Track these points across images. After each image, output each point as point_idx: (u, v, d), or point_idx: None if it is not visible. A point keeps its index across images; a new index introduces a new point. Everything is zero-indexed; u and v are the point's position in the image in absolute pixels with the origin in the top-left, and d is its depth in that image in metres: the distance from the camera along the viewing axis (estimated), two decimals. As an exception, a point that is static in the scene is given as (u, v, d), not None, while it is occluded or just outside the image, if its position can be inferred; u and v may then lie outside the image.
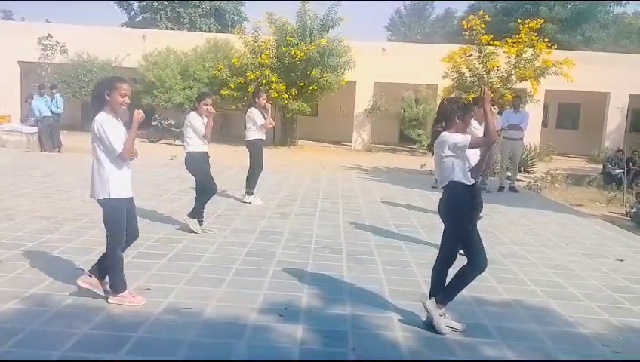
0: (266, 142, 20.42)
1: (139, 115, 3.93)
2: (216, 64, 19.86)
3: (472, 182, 3.85)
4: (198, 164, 6.48)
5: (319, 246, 6.03)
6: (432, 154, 4.01)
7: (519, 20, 13.81)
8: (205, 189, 6.55)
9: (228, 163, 13.35)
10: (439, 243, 6.27)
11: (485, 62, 13.26)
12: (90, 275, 4.12)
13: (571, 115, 25.19)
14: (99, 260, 4.19)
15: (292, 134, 21.00)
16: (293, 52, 18.46)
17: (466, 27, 13.35)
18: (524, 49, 13.13)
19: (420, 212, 8.51)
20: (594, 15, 31.01)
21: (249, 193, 8.44)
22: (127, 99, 3.87)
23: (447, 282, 3.99)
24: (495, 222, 7.97)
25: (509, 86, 13.33)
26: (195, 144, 6.41)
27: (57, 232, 5.99)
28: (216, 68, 19.67)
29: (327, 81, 18.84)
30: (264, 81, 18.58)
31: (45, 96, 14.98)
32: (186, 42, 21.35)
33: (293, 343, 3.57)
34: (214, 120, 6.64)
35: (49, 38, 19.65)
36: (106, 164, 3.87)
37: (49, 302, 4.00)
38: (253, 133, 8.34)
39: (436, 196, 10.16)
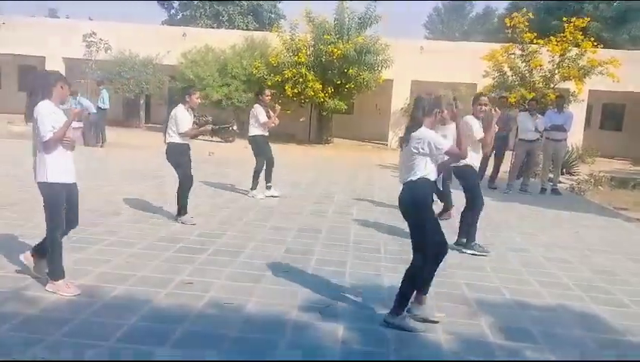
0: (302, 140, 20.55)
1: (76, 111, 4.27)
2: (253, 62, 20.01)
3: (435, 178, 3.93)
4: (178, 156, 6.61)
5: (357, 245, 6.02)
6: (402, 148, 3.99)
7: (564, 19, 13.45)
8: (188, 180, 6.68)
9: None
10: (481, 245, 6.22)
11: (528, 61, 12.97)
12: (32, 254, 4.34)
13: (615, 116, 24.46)
14: (41, 242, 4.33)
15: (327, 132, 21.02)
16: (330, 50, 18.45)
17: (508, 25, 13.08)
18: (569, 48, 12.78)
19: (459, 213, 8.38)
20: (640, 13, 29.99)
21: (267, 187, 8.63)
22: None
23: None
24: (537, 225, 7.81)
25: (552, 85, 13.01)
26: (177, 135, 6.54)
27: (102, 225, 6.14)
28: (254, 65, 19.81)
29: (363, 79, 18.77)
30: (301, 80, 18.65)
31: (75, 98, 15.47)
32: (225, 40, 21.58)
33: (335, 342, 3.57)
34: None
35: (93, 36, 20.14)
36: (43, 146, 4.05)
37: (97, 292, 4.11)
38: (255, 130, 8.50)
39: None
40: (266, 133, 8.60)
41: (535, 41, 13.05)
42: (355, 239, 6.27)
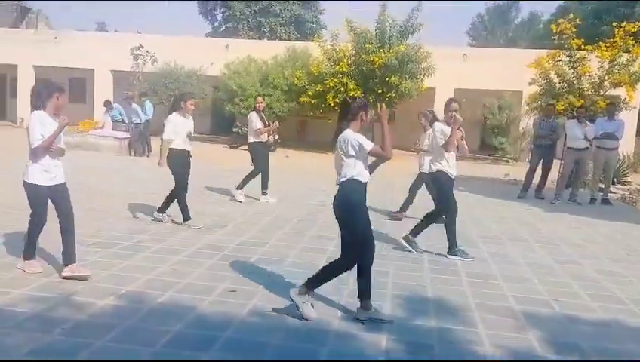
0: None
1: (64, 120, 4.46)
2: (294, 72, 20.18)
3: (368, 179, 4.04)
4: (176, 162, 6.77)
5: (401, 255, 5.95)
6: (335, 150, 4.12)
7: (614, 23, 13.01)
8: (181, 186, 6.84)
9: (305, 169, 13.50)
10: (527, 256, 6.06)
11: (576, 68, 12.58)
12: (66, 265, 4.60)
13: (669, 123, 23.45)
14: (63, 251, 4.64)
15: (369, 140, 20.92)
16: (371, 59, 18.43)
17: (555, 31, 12.75)
18: (619, 53, 12.35)
19: (505, 223, 8.20)
20: (696, 16, 28.76)
21: (263, 193, 8.84)
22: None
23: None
24: (587, 236, 7.54)
25: (602, 92, 12.59)
26: (176, 142, 6.74)
27: (148, 233, 6.27)
28: (295, 75, 19.98)
29: (405, 87, 18.65)
30: (342, 89, 18.68)
31: (118, 105, 16.03)
32: (267, 51, 21.85)
33: (378, 352, 3.52)
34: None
35: (140, 49, 20.73)
36: (31, 153, 4.42)
37: (143, 299, 4.19)
38: (251, 137, 8.74)
39: (522, 207, 9.76)
40: (264, 140, 8.79)
41: (583, 47, 12.67)
42: (397, 249, 6.19)
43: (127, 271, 4.81)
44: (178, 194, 6.85)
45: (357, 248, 3.98)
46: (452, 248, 5.98)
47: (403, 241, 6.12)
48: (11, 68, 24.62)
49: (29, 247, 4.67)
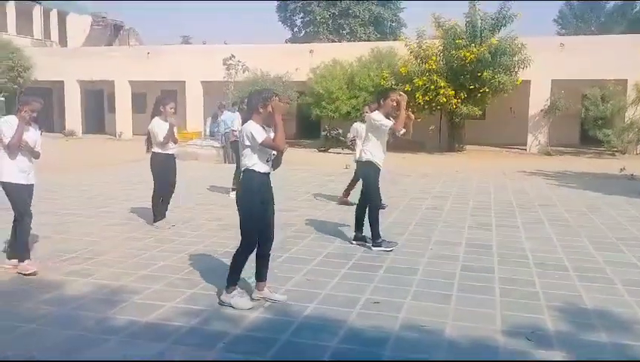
0: (431, 149, 19.97)
1: (22, 124, 4.89)
2: (380, 72, 19.93)
3: (268, 171, 4.20)
4: (160, 166, 6.87)
5: (538, 261, 5.56)
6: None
7: None
8: (161, 189, 6.94)
9: (401, 171, 13.21)
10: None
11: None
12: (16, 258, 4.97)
13: None
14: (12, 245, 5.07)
15: (460, 139, 20.31)
16: (462, 54, 17.85)
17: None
18: None
19: None
20: None
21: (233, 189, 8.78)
22: (34, 114, 4.98)
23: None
24: None
25: None
26: (157, 146, 6.80)
27: (274, 241, 6.23)
28: (381, 76, 19.73)
29: (499, 82, 17.92)
30: (432, 87, 18.22)
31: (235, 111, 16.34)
32: (351, 53, 21.72)
33: (557, 373, 3.24)
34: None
35: (232, 59, 21.19)
36: (5, 149, 4.87)
37: (290, 311, 4.12)
38: (233, 137, 8.92)
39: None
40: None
41: None
42: (533, 255, 5.80)
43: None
44: (157, 195, 6.99)
45: (245, 235, 4.17)
46: (376, 239, 5.94)
47: (376, 249, 5.89)
48: (108, 84, 26.02)
49: (22, 248, 4.94)
